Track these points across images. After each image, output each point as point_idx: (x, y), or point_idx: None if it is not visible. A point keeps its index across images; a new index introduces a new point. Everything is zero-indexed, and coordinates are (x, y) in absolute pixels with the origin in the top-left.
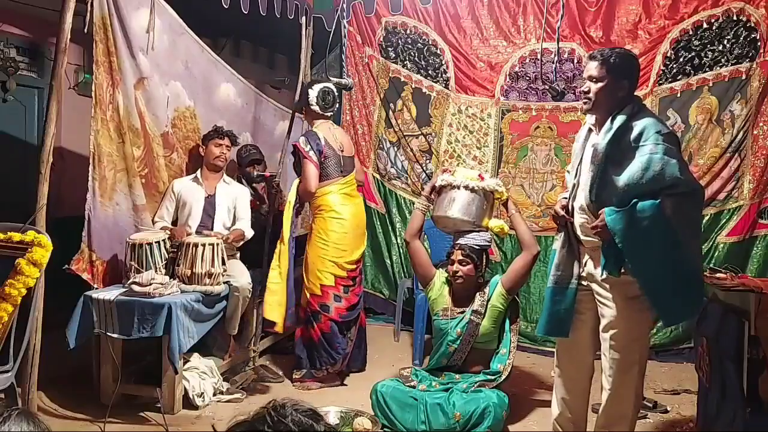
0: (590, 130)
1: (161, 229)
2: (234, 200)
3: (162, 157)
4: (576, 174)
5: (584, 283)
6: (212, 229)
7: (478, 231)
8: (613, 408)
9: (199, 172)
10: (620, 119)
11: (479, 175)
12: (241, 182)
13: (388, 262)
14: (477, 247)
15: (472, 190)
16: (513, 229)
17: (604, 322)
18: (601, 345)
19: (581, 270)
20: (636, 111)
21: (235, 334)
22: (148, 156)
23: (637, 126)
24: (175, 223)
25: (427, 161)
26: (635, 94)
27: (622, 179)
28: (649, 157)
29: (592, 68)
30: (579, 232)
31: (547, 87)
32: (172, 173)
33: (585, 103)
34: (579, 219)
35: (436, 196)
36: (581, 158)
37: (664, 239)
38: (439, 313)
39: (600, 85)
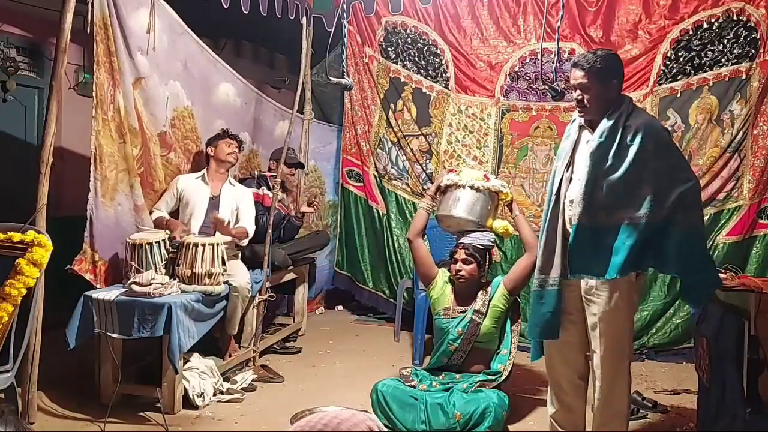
0: (581, 127)
1: (155, 220)
2: (237, 202)
3: (159, 156)
4: (569, 169)
5: (570, 282)
6: (214, 234)
7: (482, 231)
8: (609, 405)
9: (205, 171)
10: (616, 118)
11: (485, 176)
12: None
13: (389, 262)
14: (481, 247)
15: (477, 190)
16: (516, 230)
17: (596, 317)
18: (591, 343)
19: (566, 269)
20: (631, 110)
21: (235, 333)
22: (145, 155)
23: (632, 125)
24: (174, 218)
25: (427, 161)
26: (626, 94)
27: (620, 177)
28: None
29: (580, 77)
30: (569, 226)
31: (547, 87)
32: (169, 173)
33: (581, 112)
34: (569, 212)
35: (440, 195)
36: (573, 154)
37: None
38: (441, 312)
39: (591, 92)
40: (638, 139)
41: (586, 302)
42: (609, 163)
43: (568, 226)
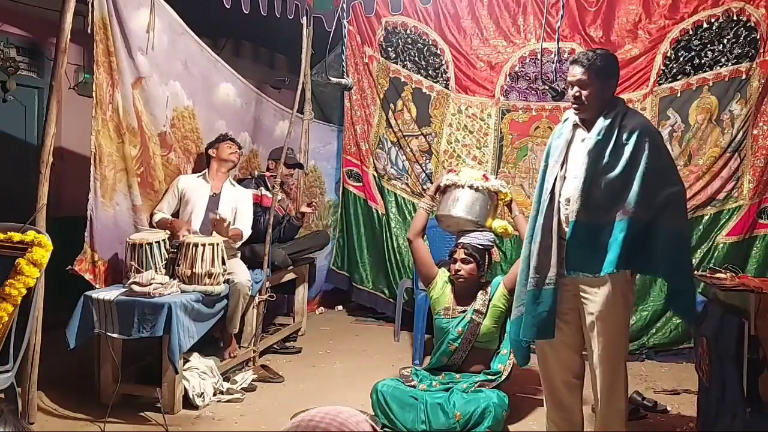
0: (575, 126)
1: (158, 221)
2: (236, 201)
3: (159, 156)
4: (562, 168)
5: (564, 281)
6: (212, 233)
7: (482, 231)
8: (610, 405)
9: (206, 171)
10: (613, 117)
11: (484, 176)
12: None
13: (389, 262)
14: (480, 247)
15: (477, 190)
16: (516, 230)
17: (593, 316)
18: (586, 342)
19: (563, 267)
20: (626, 111)
21: (236, 332)
22: (144, 155)
23: (628, 125)
24: (175, 217)
25: (427, 161)
26: (620, 96)
27: (617, 176)
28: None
29: (579, 74)
30: (564, 225)
31: (547, 87)
32: (169, 173)
33: (577, 109)
34: (564, 211)
35: (440, 195)
36: (566, 153)
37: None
38: (441, 312)
39: (589, 89)
40: (634, 138)
41: (583, 301)
42: (605, 161)
43: (564, 225)
